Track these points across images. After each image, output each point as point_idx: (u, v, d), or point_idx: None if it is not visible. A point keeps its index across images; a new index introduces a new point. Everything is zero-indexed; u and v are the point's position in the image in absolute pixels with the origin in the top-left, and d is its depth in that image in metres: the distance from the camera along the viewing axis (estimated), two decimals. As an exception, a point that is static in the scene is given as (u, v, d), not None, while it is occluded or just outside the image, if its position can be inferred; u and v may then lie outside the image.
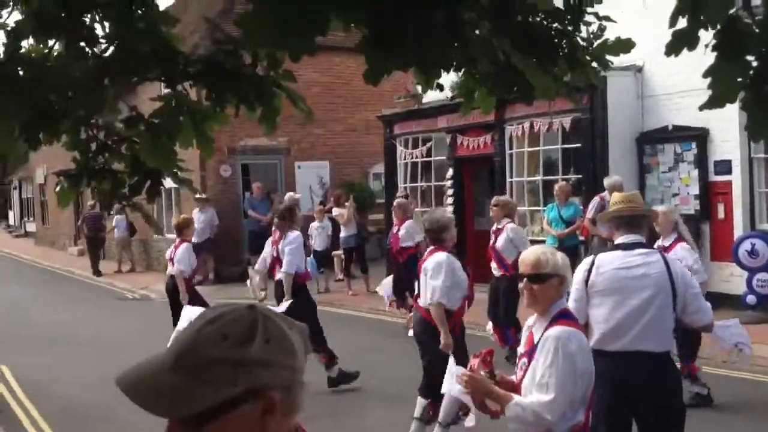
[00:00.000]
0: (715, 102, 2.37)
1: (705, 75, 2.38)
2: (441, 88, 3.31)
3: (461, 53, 2.80)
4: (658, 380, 4.06)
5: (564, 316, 3.32)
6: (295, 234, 8.38)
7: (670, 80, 11.47)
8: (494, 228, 9.27)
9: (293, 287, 8.21)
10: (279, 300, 8.33)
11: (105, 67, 2.79)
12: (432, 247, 6.13)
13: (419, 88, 11.83)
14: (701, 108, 2.41)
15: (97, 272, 21.03)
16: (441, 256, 5.93)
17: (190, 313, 8.75)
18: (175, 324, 8.80)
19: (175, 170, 3.26)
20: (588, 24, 3.08)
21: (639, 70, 12.08)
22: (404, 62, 2.70)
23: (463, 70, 3.04)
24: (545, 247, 3.69)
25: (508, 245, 8.97)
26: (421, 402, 6.24)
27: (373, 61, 2.56)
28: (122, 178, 3.33)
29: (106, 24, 2.73)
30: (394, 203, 12.42)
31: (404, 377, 8.60)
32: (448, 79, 3.59)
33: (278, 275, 8.38)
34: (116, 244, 21.91)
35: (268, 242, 8.85)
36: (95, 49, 2.84)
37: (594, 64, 3.06)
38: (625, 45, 2.97)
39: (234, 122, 3.53)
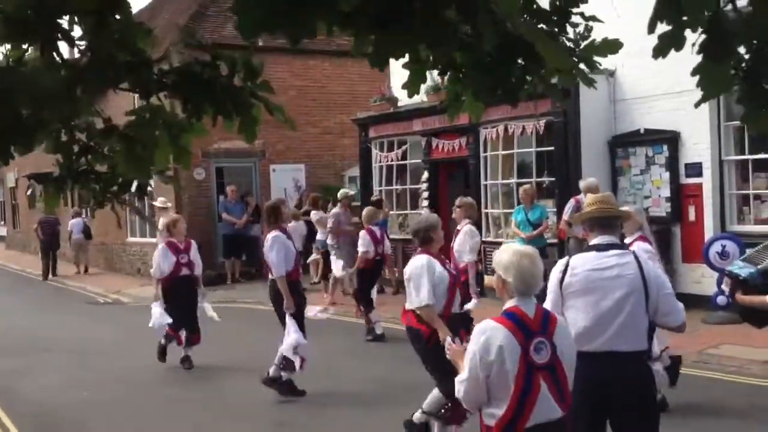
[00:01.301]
0: (705, 98, 2.38)
1: (693, 73, 2.35)
2: (436, 89, 3.29)
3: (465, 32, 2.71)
4: (632, 380, 4.10)
5: (504, 313, 3.45)
6: (271, 236, 8.21)
7: (642, 84, 11.62)
8: (457, 228, 9.53)
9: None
10: (273, 300, 8.30)
11: (77, 76, 2.74)
12: (419, 249, 6.08)
13: (401, 92, 11.79)
14: (696, 105, 2.40)
15: (46, 276, 21.89)
16: (420, 259, 5.89)
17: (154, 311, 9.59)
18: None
19: (161, 170, 3.26)
20: (575, 25, 3.04)
21: (611, 74, 12.20)
22: (412, 41, 2.56)
23: (448, 74, 3.01)
24: (513, 244, 3.78)
25: (464, 246, 9.27)
26: (435, 395, 5.99)
27: (379, 44, 2.44)
28: (109, 177, 3.28)
29: (80, 30, 2.68)
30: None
31: (380, 381, 8.62)
32: (425, 84, 3.58)
33: (270, 276, 8.32)
34: (71, 246, 22.47)
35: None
36: (67, 59, 2.81)
37: (582, 66, 3.03)
38: (612, 46, 2.94)
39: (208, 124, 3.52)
